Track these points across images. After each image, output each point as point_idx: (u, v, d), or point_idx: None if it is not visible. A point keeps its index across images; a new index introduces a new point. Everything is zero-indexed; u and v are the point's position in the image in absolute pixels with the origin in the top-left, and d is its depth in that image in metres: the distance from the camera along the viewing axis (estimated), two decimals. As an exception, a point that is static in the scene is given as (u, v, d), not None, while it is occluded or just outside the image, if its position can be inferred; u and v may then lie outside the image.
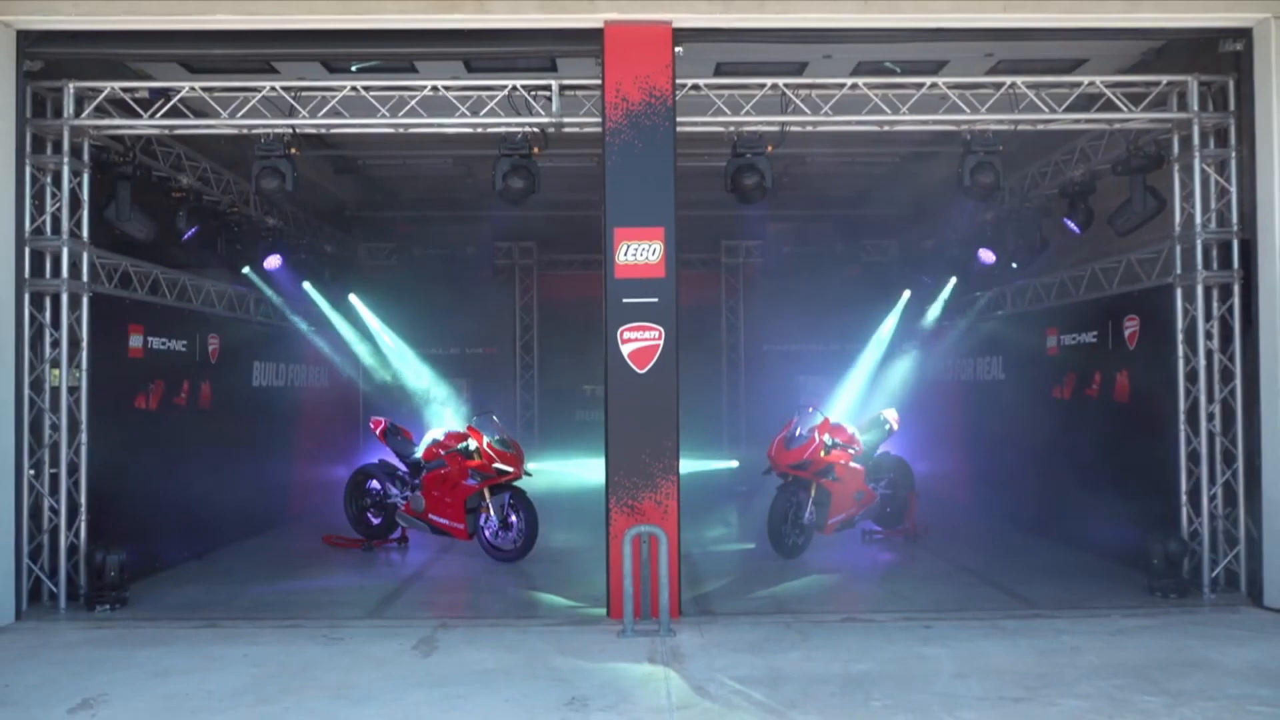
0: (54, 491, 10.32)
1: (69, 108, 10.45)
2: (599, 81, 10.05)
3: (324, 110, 10.70)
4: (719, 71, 11.52)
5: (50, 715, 7.22)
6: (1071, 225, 12.60)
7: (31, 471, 10.23)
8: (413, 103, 10.63)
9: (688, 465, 11.03)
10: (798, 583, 11.50)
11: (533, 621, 9.76)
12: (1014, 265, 14.01)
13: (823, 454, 12.72)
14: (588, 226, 11.96)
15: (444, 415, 15.83)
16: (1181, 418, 10.54)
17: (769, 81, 10.62)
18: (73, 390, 10.39)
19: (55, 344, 10.35)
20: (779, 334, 18.63)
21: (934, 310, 16.71)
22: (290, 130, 10.69)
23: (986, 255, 14.33)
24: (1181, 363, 10.57)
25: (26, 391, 10.20)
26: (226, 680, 7.87)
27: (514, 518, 12.68)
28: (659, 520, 9.53)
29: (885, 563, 12.66)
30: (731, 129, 10.67)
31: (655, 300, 9.82)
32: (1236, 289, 10.43)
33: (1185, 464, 10.53)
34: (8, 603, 9.88)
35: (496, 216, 17.00)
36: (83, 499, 10.38)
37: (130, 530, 10.80)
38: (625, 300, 9.83)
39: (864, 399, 16.91)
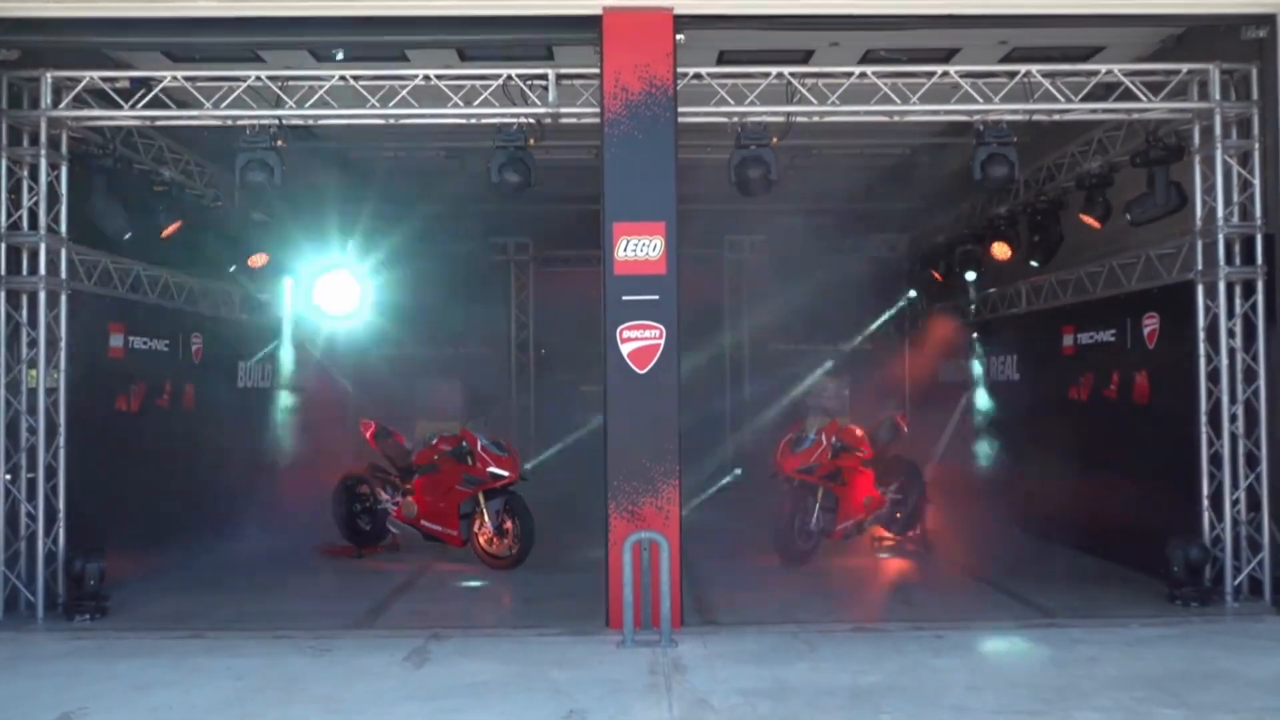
0: (31, 497, 10.12)
1: (46, 98, 10.24)
2: (597, 70, 9.89)
3: (311, 101, 10.49)
4: (722, 60, 11.33)
5: (28, 729, 7.03)
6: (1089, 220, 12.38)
7: (8, 476, 10.04)
8: (404, 93, 10.45)
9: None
10: (804, 591, 11.31)
11: (529, 631, 9.60)
12: (1034, 264, 13.82)
13: (830, 457, 12.57)
14: (586, 221, 11.82)
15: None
16: (1203, 419, 10.36)
17: (774, 70, 10.43)
18: (50, 392, 10.21)
19: (32, 344, 10.16)
20: (785, 332, 18.40)
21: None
22: (277, 121, 10.47)
23: (1000, 250, 14.15)
24: (1203, 362, 10.37)
25: (2, 393, 10.02)
26: (210, 693, 7.70)
27: (509, 523, 12.46)
28: (660, 526, 9.34)
29: (895, 570, 12.53)
30: (735, 120, 10.47)
31: (656, 298, 9.67)
32: (1260, 285, 10.25)
33: (1207, 467, 10.35)
34: (-17, 613, 9.72)
35: (491, 211, 16.85)
36: (61, 504, 10.18)
37: (111, 537, 10.59)
38: (625, 298, 9.68)
39: (874, 399, 16.70)
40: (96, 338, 11.02)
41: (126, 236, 11.23)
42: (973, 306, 16.20)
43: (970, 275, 15.80)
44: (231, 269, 13.80)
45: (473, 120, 10.62)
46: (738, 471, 17.96)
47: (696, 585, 10.93)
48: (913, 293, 18.24)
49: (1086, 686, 7.61)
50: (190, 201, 12.70)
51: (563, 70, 10.45)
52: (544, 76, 10.40)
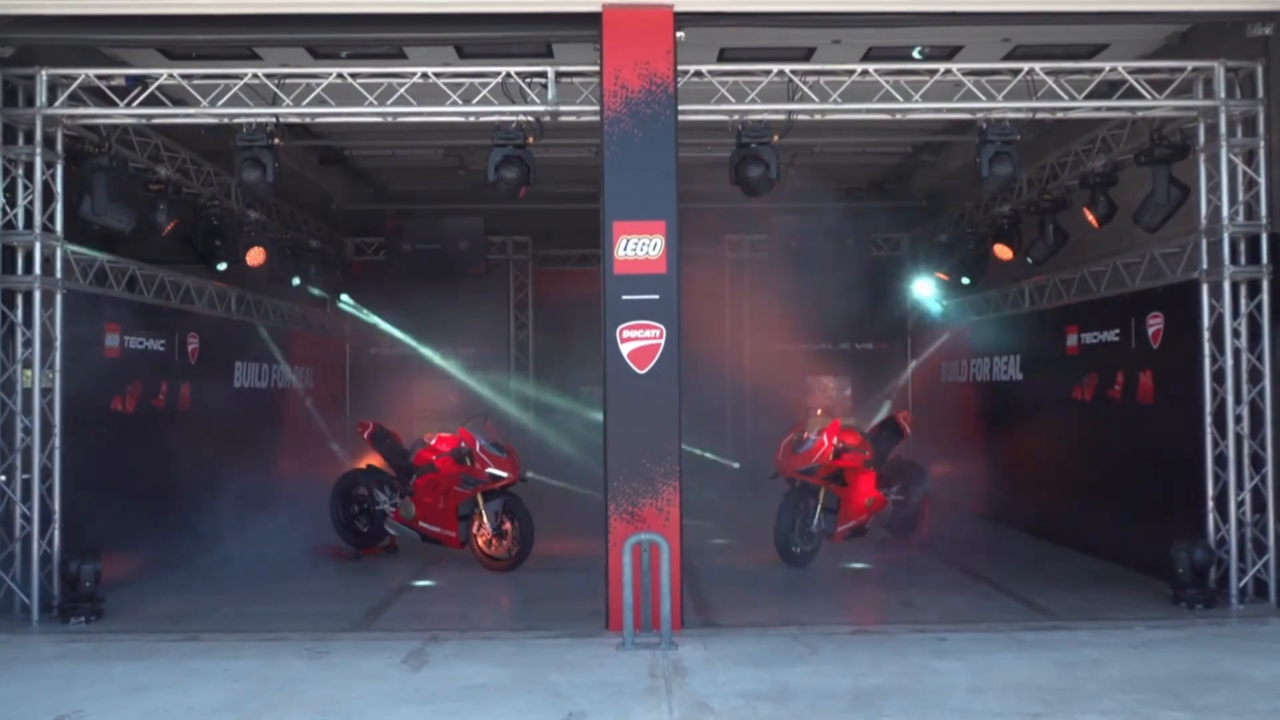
0: (26, 498, 10.05)
1: (42, 96, 10.17)
2: (597, 68, 9.81)
3: (309, 98, 10.45)
4: (723, 57, 11.28)
5: (23, 732, 6.99)
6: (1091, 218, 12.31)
7: (2, 477, 9.98)
8: (402, 90, 10.39)
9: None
10: (805, 593, 11.27)
11: (528, 634, 9.52)
12: (1030, 260, 13.70)
13: (832, 458, 12.47)
14: (585, 220, 11.74)
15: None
16: (1208, 419, 10.28)
17: (775, 68, 10.36)
18: (46, 392, 10.14)
19: (28, 344, 10.09)
20: (786, 332, 18.31)
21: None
22: (273, 119, 10.40)
23: (1002, 251, 14.08)
24: (1208, 362, 10.29)
25: (-3, 393, 9.97)
26: (207, 696, 7.65)
27: (508, 525, 12.38)
28: (660, 528, 9.26)
29: (897, 572, 12.41)
30: (736, 118, 10.42)
31: (656, 297, 9.58)
32: (1265, 285, 10.17)
33: (1212, 468, 10.27)
34: (-22, 615, 9.66)
35: (490, 209, 16.80)
36: (56, 506, 10.11)
37: (106, 538, 10.51)
38: (625, 297, 9.59)
39: (876, 399, 16.67)
40: (92, 337, 10.93)
41: (131, 226, 11.16)
42: (975, 306, 16.11)
43: (972, 274, 15.73)
44: (222, 267, 13.72)
45: (471, 118, 10.56)
46: (736, 465, 17.89)
47: (696, 587, 10.88)
48: (915, 292, 18.15)
49: (1090, 689, 7.55)
50: (187, 200, 12.64)
51: (562, 68, 10.39)
52: (543, 74, 10.33)
